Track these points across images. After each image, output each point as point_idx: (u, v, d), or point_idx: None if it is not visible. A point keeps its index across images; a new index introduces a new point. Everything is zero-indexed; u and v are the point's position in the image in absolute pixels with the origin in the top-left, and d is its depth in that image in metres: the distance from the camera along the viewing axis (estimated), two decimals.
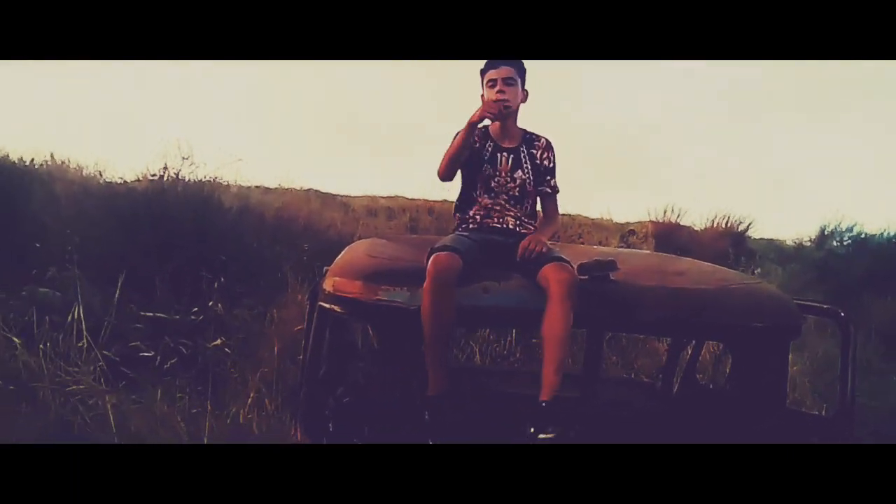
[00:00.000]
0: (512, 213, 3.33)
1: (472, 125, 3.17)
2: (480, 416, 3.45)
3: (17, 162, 8.87)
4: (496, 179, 3.33)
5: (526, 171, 3.35)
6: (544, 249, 2.97)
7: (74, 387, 3.94)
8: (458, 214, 3.46)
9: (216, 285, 5.12)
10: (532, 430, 2.69)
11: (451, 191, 3.45)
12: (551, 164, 3.42)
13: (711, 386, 5.15)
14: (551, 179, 3.42)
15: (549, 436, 2.67)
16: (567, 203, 12.83)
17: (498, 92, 3.25)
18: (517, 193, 3.34)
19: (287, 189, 11.17)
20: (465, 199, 3.41)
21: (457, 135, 3.23)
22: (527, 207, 3.38)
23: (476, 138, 3.33)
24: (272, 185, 11.53)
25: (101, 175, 9.58)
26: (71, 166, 10.15)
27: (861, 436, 5.46)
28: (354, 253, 3.20)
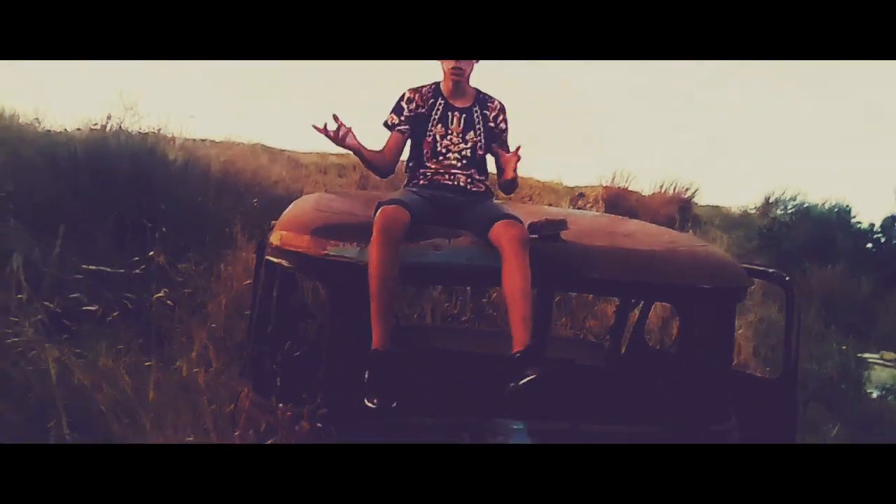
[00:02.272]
0: (463, 172, 3.29)
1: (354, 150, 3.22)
2: (423, 374, 3.45)
3: None
4: (447, 138, 3.28)
5: (478, 132, 3.31)
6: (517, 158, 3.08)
7: (14, 339, 3.82)
8: (408, 171, 3.42)
9: (157, 235, 4.99)
10: (511, 385, 2.68)
11: (404, 150, 3.42)
12: (506, 128, 3.39)
13: (658, 347, 5.25)
14: (504, 144, 3.39)
15: (531, 377, 2.66)
16: (518, 165, 12.84)
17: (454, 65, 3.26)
18: (468, 154, 3.30)
19: (234, 143, 10.96)
20: (416, 156, 3.37)
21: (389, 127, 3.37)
22: (477, 166, 3.34)
23: (420, 102, 3.31)
24: (219, 138, 11.30)
25: (38, 123, 9.24)
26: (6, 114, 9.77)
27: (802, 398, 5.63)
28: (303, 207, 3.15)
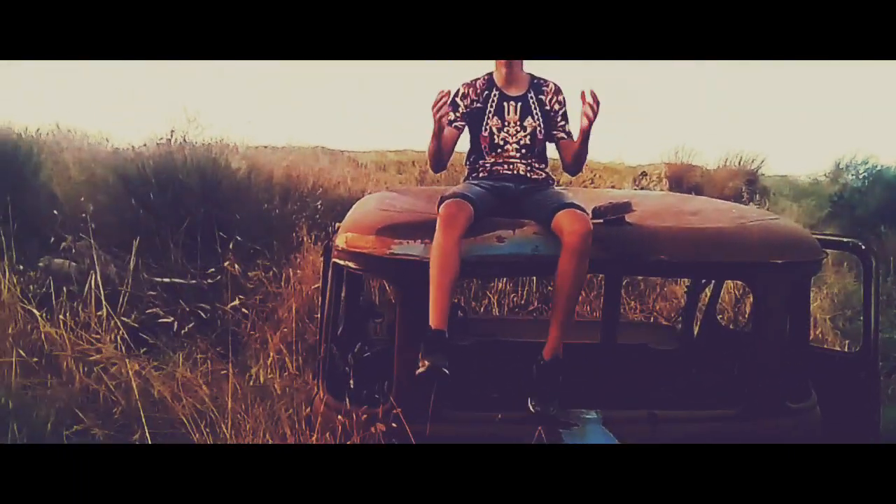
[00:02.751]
0: (522, 161, 3.27)
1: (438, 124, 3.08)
2: (492, 367, 3.44)
3: (22, 134, 8.82)
4: (504, 130, 3.27)
5: (536, 117, 3.28)
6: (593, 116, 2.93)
7: (96, 356, 3.95)
8: (468, 165, 3.41)
9: (231, 245, 5.11)
10: (531, 402, 2.80)
11: (461, 142, 3.40)
12: (563, 109, 3.35)
13: (732, 327, 5.14)
14: (565, 124, 3.35)
15: (532, 409, 2.78)
16: None
17: None
18: (528, 142, 3.27)
19: (295, 147, 11.12)
20: (475, 150, 3.36)
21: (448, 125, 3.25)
22: (537, 154, 3.32)
23: (475, 96, 3.28)
24: (279, 144, 11.48)
25: (107, 142, 9.55)
26: (77, 135, 10.10)
27: (885, 369, 5.45)
28: (365, 207, 3.17)
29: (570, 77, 3.33)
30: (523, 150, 3.27)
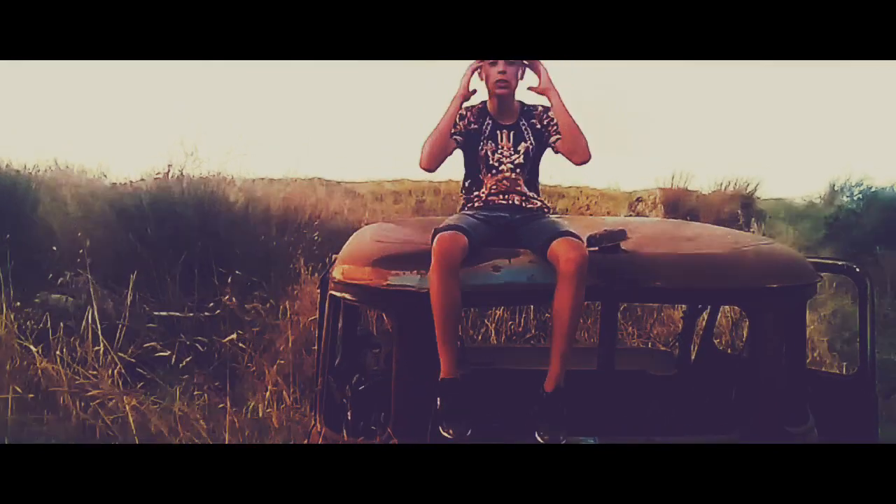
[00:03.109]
0: (517, 190, 3.29)
1: (455, 109, 3.20)
2: (493, 398, 3.44)
3: (20, 170, 8.86)
4: (498, 153, 3.30)
5: (528, 140, 3.32)
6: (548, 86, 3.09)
7: (93, 391, 3.95)
8: (464, 194, 3.44)
9: (229, 279, 5.11)
10: (536, 433, 2.77)
11: (456, 170, 3.43)
12: (552, 121, 3.35)
13: (729, 351, 5.14)
14: (555, 134, 3.31)
15: (541, 440, 2.75)
16: (574, 175, 12.80)
17: (499, 72, 3.23)
18: (521, 160, 3.31)
19: (292, 179, 11.16)
20: (470, 178, 3.39)
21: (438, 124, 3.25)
22: (531, 175, 3.36)
23: (472, 118, 3.31)
24: (276, 175, 11.52)
25: (105, 177, 9.58)
26: (75, 170, 10.14)
27: (883, 391, 5.44)
28: (361, 239, 3.19)
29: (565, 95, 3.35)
30: (518, 170, 3.30)
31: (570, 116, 3.20)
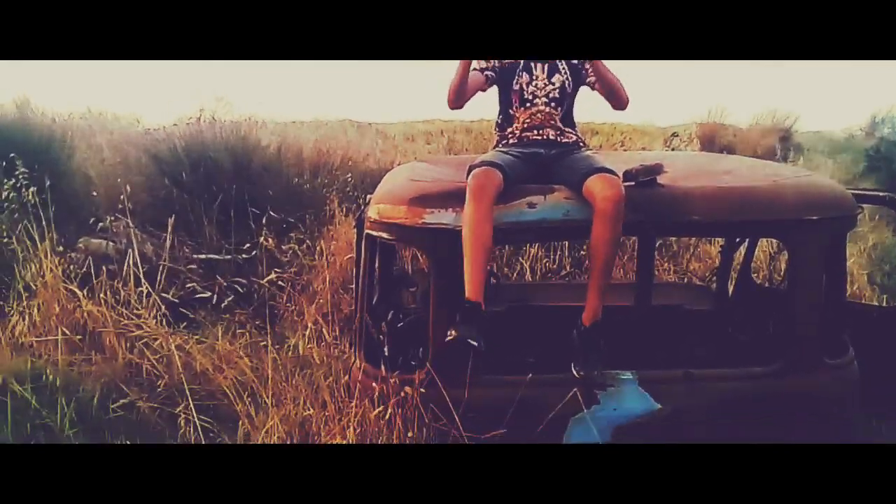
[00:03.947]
0: (552, 124, 3.26)
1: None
2: (526, 332, 3.46)
3: (56, 119, 8.93)
4: (532, 84, 3.26)
5: (563, 72, 3.28)
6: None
7: (138, 332, 4.05)
8: (497, 132, 3.41)
9: (264, 220, 5.16)
10: (575, 368, 2.81)
11: (488, 109, 3.40)
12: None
13: (767, 284, 5.11)
14: (591, 69, 3.26)
15: (576, 374, 2.78)
16: (608, 110, 12.59)
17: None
18: (557, 95, 3.27)
19: (323, 122, 11.14)
20: (504, 114, 3.36)
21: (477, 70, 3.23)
22: (566, 110, 3.31)
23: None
24: (307, 118, 11.51)
25: (138, 123, 9.64)
26: (108, 117, 10.20)
27: None
28: (396, 178, 3.19)
29: None
30: (552, 104, 3.26)
31: (609, 72, 3.14)
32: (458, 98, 3.17)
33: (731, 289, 4.51)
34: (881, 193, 3.69)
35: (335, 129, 10.83)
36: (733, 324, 4.09)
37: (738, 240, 4.49)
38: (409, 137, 12.52)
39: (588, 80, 3.29)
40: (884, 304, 5.52)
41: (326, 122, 11.34)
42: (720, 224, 2.93)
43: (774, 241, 5.59)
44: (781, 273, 5.58)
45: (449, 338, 2.64)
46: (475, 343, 2.63)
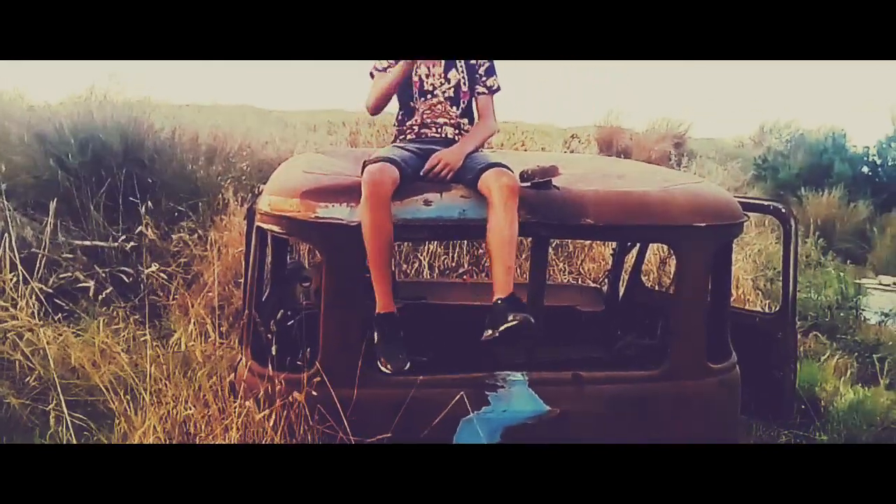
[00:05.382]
0: (450, 121, 3.24)
1: (409, 64, 3.11)
2: (420, 331, 3.43)
3: None
4: (430, 80, 3.24)
5: (459, 69, 3.27)
6: (449, 175, 2.94)
7: (10, 322, 3.81)
8: (396, 126, 3.38)
9: (144, 209, 4.96)
10: (489, 332, 2.67)
11: (392, 103, 3.36)
12: (486, 63, 3.33)
13: (657, 288, 5.24)
14: (487, 78, 3.33)
15: (512, 323, 2.61)
16: (510, 110, 12.73)
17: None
18: (451, 94, 3.27)
19: (221, 107, 10.84)
20: (405, 108, 3.32)
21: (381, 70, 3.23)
22: (461, 109, 3.31)
23: None
24: (205, 102, 11.16)
25: (21, 99, 9.13)
26: None
27: (801, 327, 5.64)
28: (290, 169, 3.11)
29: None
30: (448, 103, 3.26)
31: (491, 111, 3.36)
32: (378, 109, 3.21)
33: (621, 291, 4.59)
34: (766, 202, 3.83)
35: (234, 115, 10.55)
36: (623, 326, 4.17)
37: (629, 243, 4.58)
38: (312, 127, 12.29)
39: (478, 89, 3.33)
40: (767, 309, 5.75)
41: (225, 107, 11.03)
42: (611, 228, 2.97)
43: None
44: (671, 277, 5.74)
45: (384, 369, 2.68)
46: (407, 365, 2.66)
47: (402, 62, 3.08)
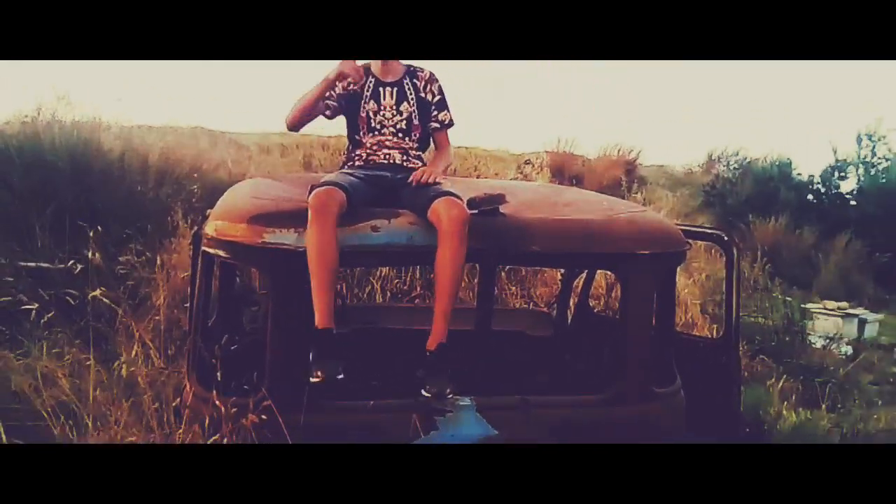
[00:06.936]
0: (398, 148, 3.27)
1: (328, 83, 3.16)
2: (371, 355, 3.44)
3: None
4: (380, 114, 3.27)
5: (411, 102, 3.31)
6: (435, 180, 2.99)
7: None
8: (346, 154, 3.40)
9: (91, 233, 4.88)
10: (420, 396, 2.79)
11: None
12: (437, 97, 3.38)
13: (605, 313, 5.31)
14: (439, 113, 3.37)
15: (427, 396, 2.77)
16: (464, 136, 12.82)
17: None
18: (404, 126, 3.30)
19: (172, 128, 10.70)
20: (351, 139, 3.35)
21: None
22: (414, 141, 3.34)
23: (354, 79, 3.24)
24: (156, 124, 11.00)
25: None
26: None
27: (747, 351, 5.75)
28: (237, 194, 3.10)
29: (454, 69, 3.37)
30: (399, 135, 3.29)
31: (447, 150, 3.45)
32: (296, 123, 3.24)
33: (570, 316, 4.65)
34: (709, 231, 3.92)
35: (186, 136, 10.41)
36: (570, 351, 4.22)
37: (576, 270, 4.64)
38: (265, 149, 12.20)
39: (431, 125, 3.38)
40: (713, 333, 5.85)
41: (176, 128, 10.88)
42: (558, 255, 3.02)
43: None
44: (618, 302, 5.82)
45: (316, 380, 2.63)
46: (340, 377, 2.64)
47: (322, 79, 3.14)
